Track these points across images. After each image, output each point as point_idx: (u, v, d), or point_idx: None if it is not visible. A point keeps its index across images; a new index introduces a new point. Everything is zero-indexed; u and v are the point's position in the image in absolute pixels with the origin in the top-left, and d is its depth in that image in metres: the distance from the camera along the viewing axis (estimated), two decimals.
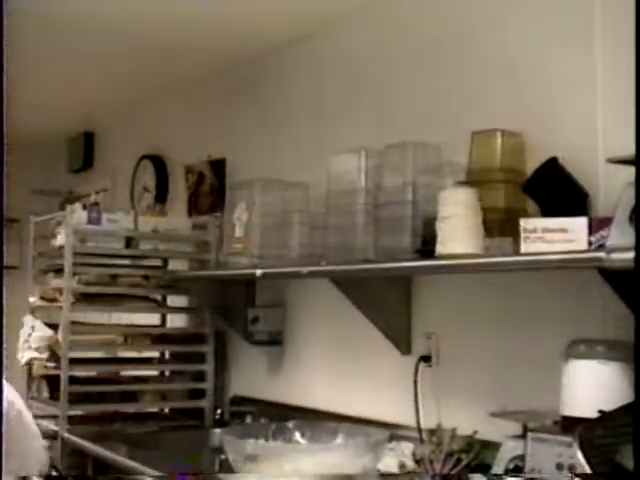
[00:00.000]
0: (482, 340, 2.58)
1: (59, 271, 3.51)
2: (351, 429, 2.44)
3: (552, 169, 2.20)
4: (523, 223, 2.06)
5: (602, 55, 2.24)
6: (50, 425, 3.57)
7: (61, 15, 3.28)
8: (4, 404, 2.24)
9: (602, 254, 1.81)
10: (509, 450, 2.09)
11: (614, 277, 1.91)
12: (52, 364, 3.52)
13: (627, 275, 1.68)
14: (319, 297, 3.18)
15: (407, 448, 2.51)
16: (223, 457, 2.45)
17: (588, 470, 1.63)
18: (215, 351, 3.73)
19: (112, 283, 3.63)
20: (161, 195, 4.53)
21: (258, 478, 2.19)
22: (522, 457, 2.03)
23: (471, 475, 2.23)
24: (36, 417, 3.74)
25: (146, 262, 3.81)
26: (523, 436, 2.06)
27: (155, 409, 3.91)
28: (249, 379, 3.70)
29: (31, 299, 3.74)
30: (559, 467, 1.94)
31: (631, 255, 1.64)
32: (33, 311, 3.73)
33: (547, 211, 2.16)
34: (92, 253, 3.56)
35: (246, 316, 3.51)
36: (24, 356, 3.60)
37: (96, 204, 3.68)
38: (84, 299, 3.55)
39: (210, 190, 4.07)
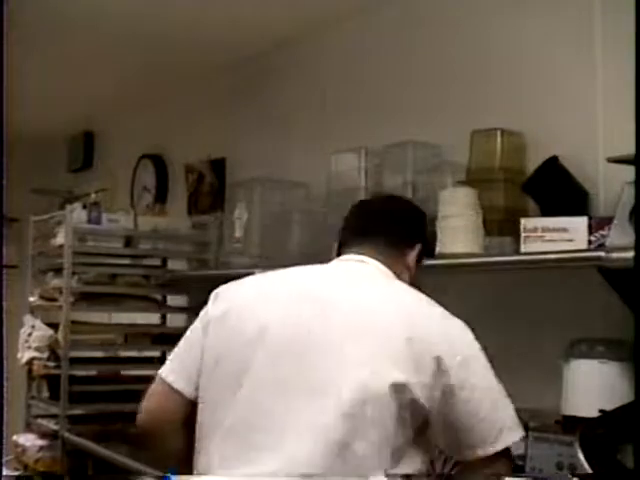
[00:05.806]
0: (482, 340, 2.56)
1: (59, 270, 3.50)
2: None
3: (552, 168, 2.20)
4: (523, 222, 2.06)
5: (602, 54, 2.24)
6: (50, 425, 3.57)
7: (61, 15, 3.27)
8: None
9: (602, 253, 1.81)
10: None
11: (614, 276, 1.91)
12: (52, 363, 3.52)
13: (627, 274, 1.68)
14: None
15: None
16: None
17: (589, 469, 1.62)
18: None
19: (112, 283, 3.62)
20: (161, 195, 4.52)
21: (258, 478, 2.18)
22: (523, 456, 2.03)
23: None
24: (36, 417, 3.76)
25: (146, 261, 3.81)
26: (524, 435, 2.06)
27: None
28: None
29: (31, 298, 3.74)
30: (560, 466, 1.95)
31: (631, 254, 1.64)
32: (33, 310, 3.73)
33: (547, 210, 2.16)
34: (92, 252, 3.56)
35: None
36: (24, 356, 3.60)
37: (96, 204, 3.69)
38: (84, 299, 3.55)
39: (210, 190, 4.06)
